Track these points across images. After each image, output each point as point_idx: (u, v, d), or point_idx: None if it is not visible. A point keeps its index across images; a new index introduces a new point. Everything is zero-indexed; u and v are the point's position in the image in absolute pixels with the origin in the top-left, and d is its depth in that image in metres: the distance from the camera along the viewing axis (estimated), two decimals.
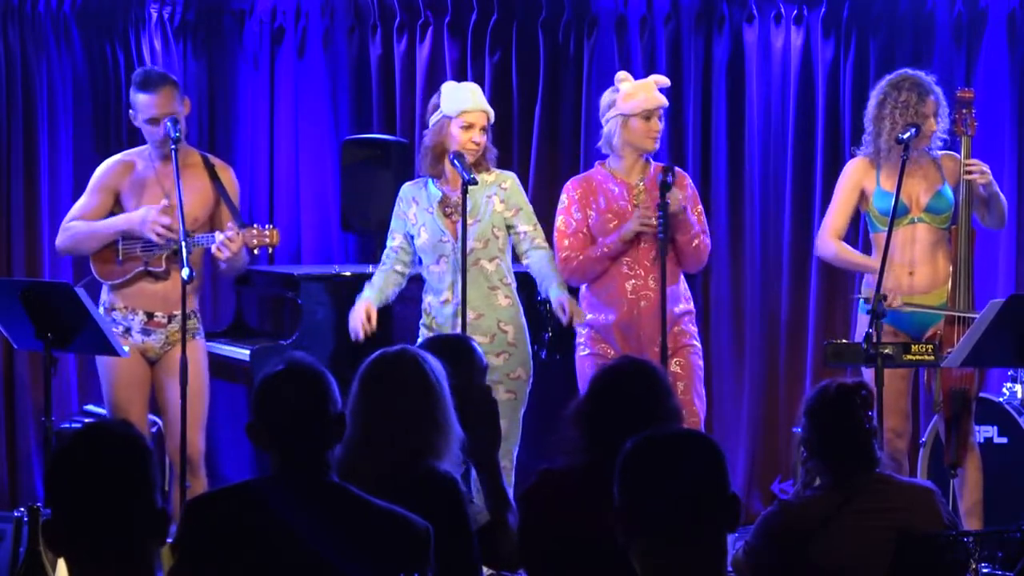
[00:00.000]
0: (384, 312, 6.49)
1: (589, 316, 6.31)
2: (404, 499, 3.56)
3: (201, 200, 6.43)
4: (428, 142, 6.37)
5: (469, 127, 6.27)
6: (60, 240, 6.54)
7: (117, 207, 6.47)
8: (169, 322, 6.36)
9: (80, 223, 6.45)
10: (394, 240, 6.47)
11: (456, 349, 4.59)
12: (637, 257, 6.32)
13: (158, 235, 6.28)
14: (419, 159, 6.49)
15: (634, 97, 6.38)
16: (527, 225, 6.38)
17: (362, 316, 6.33)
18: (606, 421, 4.13)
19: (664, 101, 6.42)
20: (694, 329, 6.47)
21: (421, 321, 6.47)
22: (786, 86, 7.96)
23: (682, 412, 4.35)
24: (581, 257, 6.34)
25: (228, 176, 6.54)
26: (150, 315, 6.39)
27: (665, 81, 6.48)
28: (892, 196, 6.18)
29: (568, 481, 4.18)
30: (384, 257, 6.51)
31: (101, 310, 6.40)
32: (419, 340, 6.30)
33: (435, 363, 4.12)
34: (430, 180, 6.41)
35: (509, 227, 6.38)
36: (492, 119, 6.40)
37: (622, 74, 6.55)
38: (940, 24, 7.79)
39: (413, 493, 3.72)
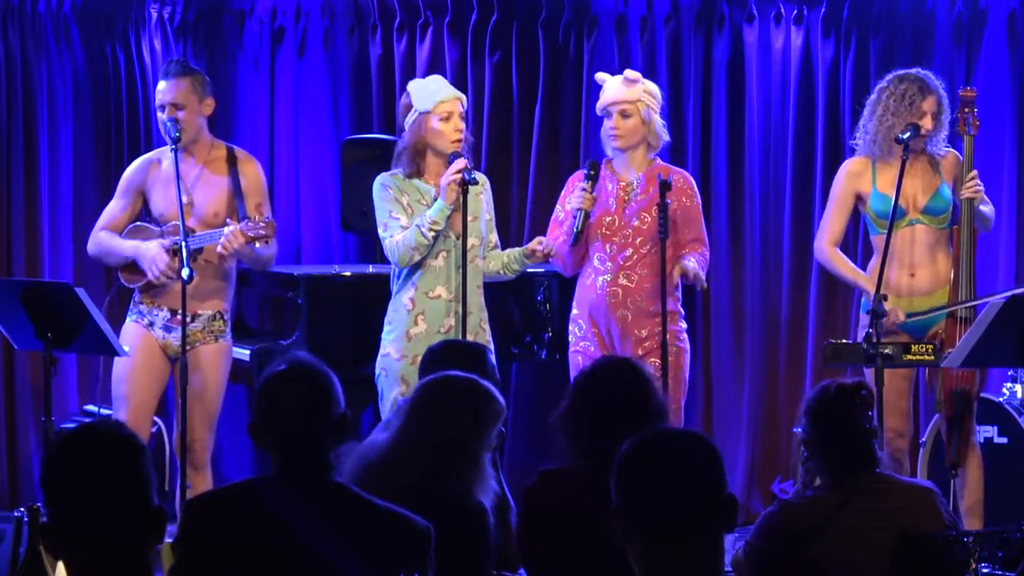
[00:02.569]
0: (383, 310, 6.43)
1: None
2: (432, 519, 3.55)
3: (220, 195, 6.44)
4: (407, 142, 6.25)
5: (448, 117, 6.20)
6: (89, 247, 6.62)
7: (146, 206, 6.52)
8: (192, 321, 6.34)
9: (104, 235, 6.51)
10: (401, 220, 6.18)
11: (471, 357, 4.60)
12: (611, 253, 6.32)
13: (156, 278, 6.32)
14: (396, 158, 6.32)
15: (600, 97, 6.42)
16: (493, 234, 6.38)
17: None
18: (589, 422, 4.15)
19: (623, 96, 6.34)
20: (675, 330, 6.34)
21: (394, 325, 6.26)
22: (786, 86, 7.95)
23: (667, 408, 4.35)
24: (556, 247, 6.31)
25: (250, 169, 6.52)
26: (174, 312, 6.38)
27: (631, 75, 6.44)
28: (889, 197, 6.20)
29: (566, 481, 4.18)
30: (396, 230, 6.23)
31: (132, 303, 6.47)
32: (392, 342, 6.25)
33: (498, 400, 4.15)
34: (414, 180, 6.29)
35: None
36: (466, 104, 6.32)
37: (600, 75, 6.56)
38: (940, 24, 7.79)
39: (442, 515, 3.72)
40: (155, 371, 6.44)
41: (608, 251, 6.33)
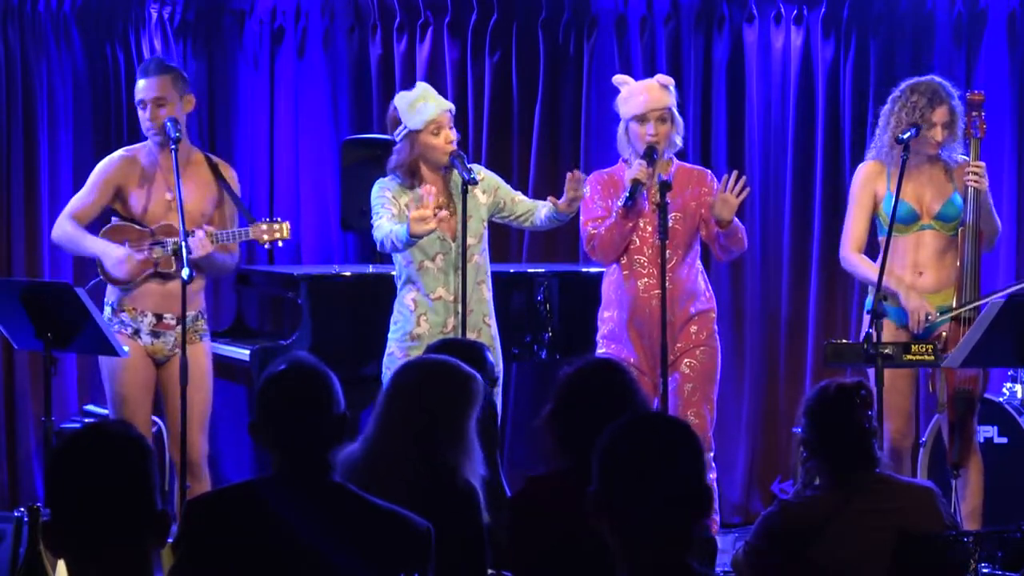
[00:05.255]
0: (389, 310, 6.42)
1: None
2: (423, 503, 3.56)
3: (206, 196, 6.44)
4: (402, 159, 6.24)
5: (438, 131, 6.22)
6: (55, 234, 6.52)
7: (118, 202, 6.46)
8: (177, 323, 6.32)
9: (71, 228, 6.41)
10: (392, 210, 6.18)
11: (468, 355, 4.60)
12: (651, 256, 6.31)
13: (123, 275, 6.31)
14: (390, 170, 6.33)
15: (628, 101, 6.38)
16: (513, 193, 6.35)
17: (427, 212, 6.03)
18: (574, 424, 4.15)
19: (662, 102, 6.32)
20: (715, 328, 6.41)
21: (399, 325, 6.30)
22: (786, 86, 7.96)
23: (650, 407, 4.36)
24: (601, 232, 6.31)
25: (231, 175, 6.55)
26: (159, 317, 6.38)
27: (666, 80, 6.44)
28: (903, 201, 6.20)
29: (551, 486, 4.18)
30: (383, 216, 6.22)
31: (108, 310, 6.40)
32: (396, 341, 6.26)
33: (476, 377, 4.14)
34: (407, 189, 6.30)
35: (497, 208, 6.32)
36: (454, 109, 6.32)
37: (619, 77, 6.54)
38: (940, 24, 7.80)
39: (433, 498, 3.72)
40: (143, 381, 6.42)
41: (648, 253, 6.33)
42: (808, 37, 7.92)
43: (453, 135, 6.23)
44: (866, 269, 6.38)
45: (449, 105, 6.29)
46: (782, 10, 7.94)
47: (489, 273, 6.32)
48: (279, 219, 6.35)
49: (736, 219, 6.30)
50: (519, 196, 6.39)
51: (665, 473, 2.81)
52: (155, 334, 6.37)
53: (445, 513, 3.67)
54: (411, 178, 6.25)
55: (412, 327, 6.21)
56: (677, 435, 2.88)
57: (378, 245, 6.26)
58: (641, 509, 2.80)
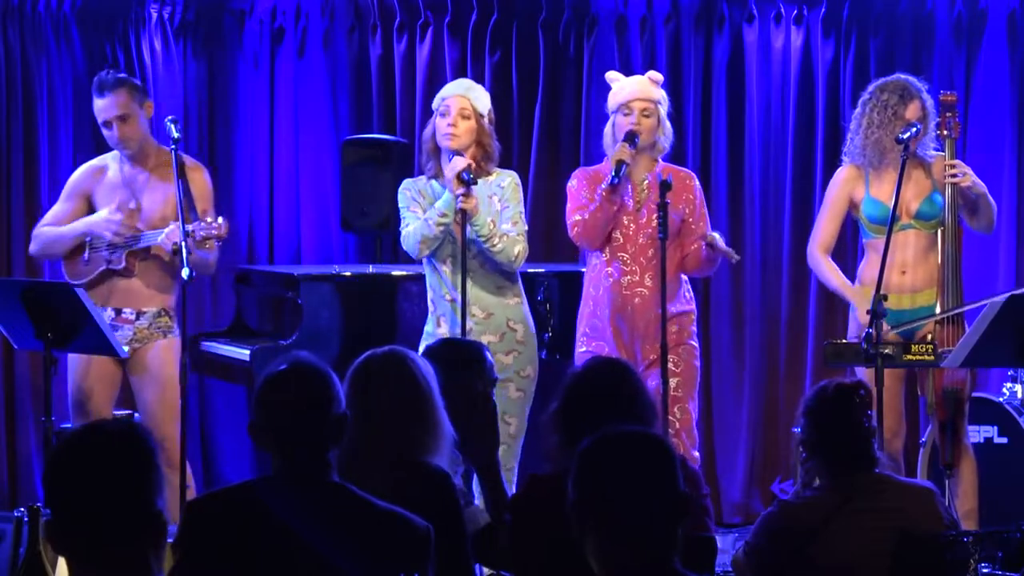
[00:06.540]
0: (389, 309, 6.45)
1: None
2: (397, 495, 3.56)
3: (167, 201, 6.50)
4: (423, 139, 6.34)
5: (445, 114, 6.24)
6: (31, 246, 6.73)
7: (91, 211, 6.58)
8: (137, 319, 6.46)
9: (48, 229, 6.62)
10: (417, 213, 6.26)
11: (467, 355, 4.60)
12: (634, 253, 6.32)
13: (113, 234, 6.43)
14: (419, 159, 6.44)
15: (616, 94, 6.39)
16: (506, 223, 6.29)
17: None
18: (580, 424, 4.13)
19: (649, 94, 6.33)
20: (693, 329, 6.45)
21: (426, 326, 6.38)
22: (786, 86, 7.96)
23: (656, 408, 4.35)
24: (586, 216, 6.29)
25: (197, 176, 6.58)
26: (118, 311, 6.49)
27: (656, 76, 6.44)
28: (881, 203, 6.25)
29: (553, 486, 4.17)
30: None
31: None
32: (426, 335, 6.31)
33: (423, 362, 4.14)
34: (432, 180, 6.35)
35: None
36: (480, 108, 6.25)
37: (611, 74, 6.55)
38: (940, 24, 7.80)
39: (406, 489, 3.73)
40: (101, 374, 6.54)
41: (631, 251, 6.33)
42: (808, 37, 7.93)
43: (460, 122, 6.19)
44: (829, 272, 6.46)
45: (465, 93, 6.28)
46: (782, 10, 7.95)
47: (517, 280, 6.33)
48: (220, 218, 6.33)
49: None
50: (507, 227, 6.27)
51: (640, 485, 2.85)
52: (113, 327, 6.43)
53: (418, 500, 3.65)
54: (433, 162, 6.28)
55: (433, 328, 6.30)
56: (647, 447, 2.92)
57: (406, 247, 6.30)
58: (619, 520, 2.84)
